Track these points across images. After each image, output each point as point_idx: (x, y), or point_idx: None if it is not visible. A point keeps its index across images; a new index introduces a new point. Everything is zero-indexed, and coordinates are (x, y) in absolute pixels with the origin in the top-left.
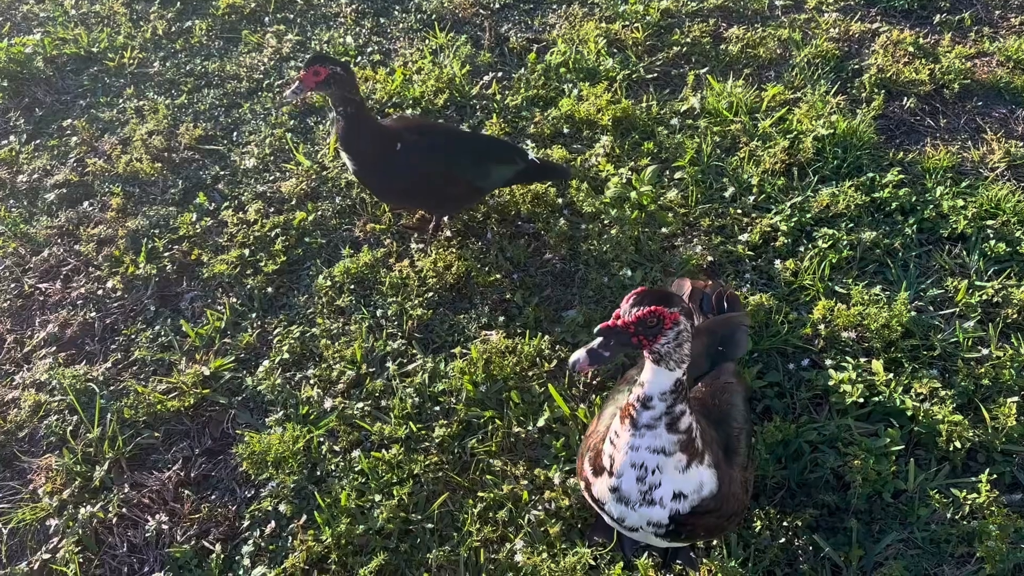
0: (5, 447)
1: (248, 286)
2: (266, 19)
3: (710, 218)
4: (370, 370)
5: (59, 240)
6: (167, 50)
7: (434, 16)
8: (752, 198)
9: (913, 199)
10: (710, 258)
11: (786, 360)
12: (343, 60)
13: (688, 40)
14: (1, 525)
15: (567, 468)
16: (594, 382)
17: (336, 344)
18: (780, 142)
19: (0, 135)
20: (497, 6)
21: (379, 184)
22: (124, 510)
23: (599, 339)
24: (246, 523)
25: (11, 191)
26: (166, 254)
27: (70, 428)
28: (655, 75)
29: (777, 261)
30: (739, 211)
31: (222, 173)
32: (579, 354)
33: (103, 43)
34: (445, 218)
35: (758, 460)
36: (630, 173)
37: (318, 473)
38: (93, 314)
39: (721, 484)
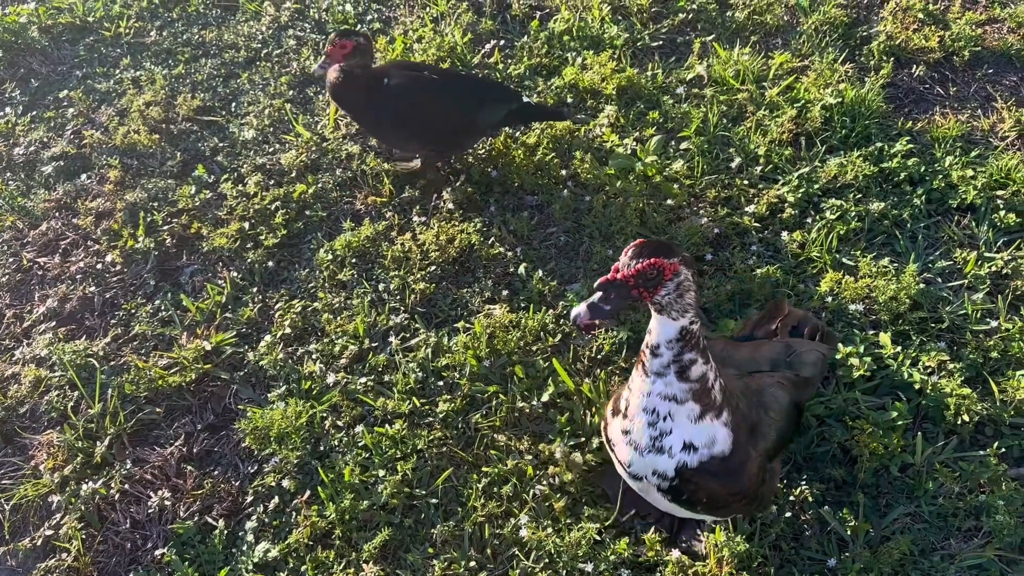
0: (6, 423)
1: (249, 260)
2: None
3: (716, 189)
4: (373, 345)
5: (57, 214)
6: (164, 19)
7: None
8: (759, 168)
9: (922, 169)
10: (716, 230)
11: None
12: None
13: (694, 7)
14: (3, 501)
15: (571, 443)
16: (599, 356)
17: (338, 319)
18: (787, 111)
19: None
20: None
21: (372, 121)
22: (126, 486)
23: (599, 293)
24: (249, 499)
25: (8, 164)
26: (165, 228)
27: (71, 404)
28: (660, 43)
29: (784, 233)
30: (745, 182)
31: (221, 145)
32: (579, 308)
33: (99, 12)
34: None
35: (778, 474)
36: (635, 143)
37: (321, 448)
38: (92, 288)
39: (736, 449)
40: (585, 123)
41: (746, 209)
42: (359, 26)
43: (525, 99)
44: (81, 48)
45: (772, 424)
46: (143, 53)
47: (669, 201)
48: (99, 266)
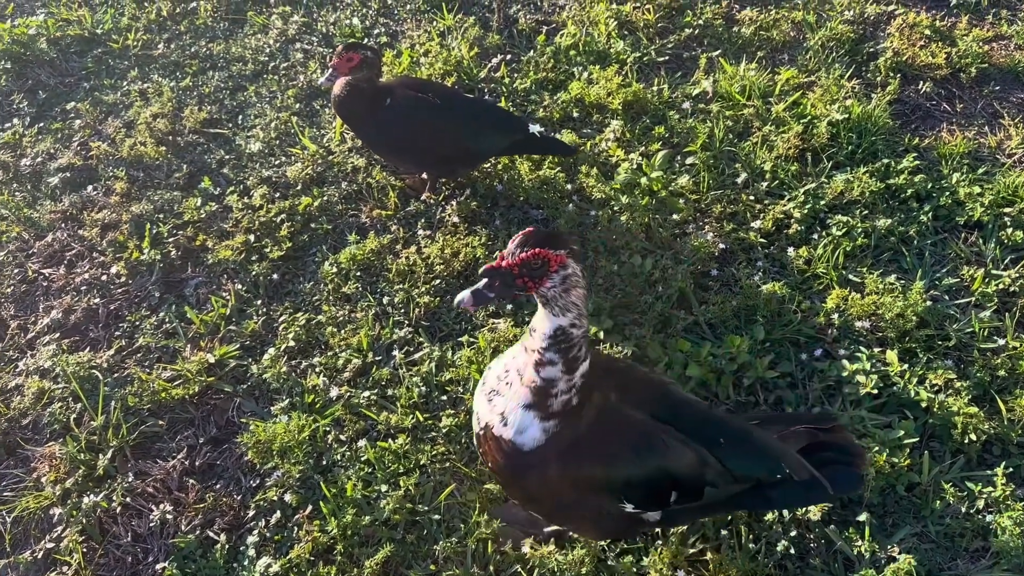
0: (8, 435)
1: (253, 272)
2: (272, 0)
3: (722, 204)
4: (376, 358)
5: (63, 225)
6: (171, 32)
7: None
8: (765, 184)
9: (929, 186)
10: (722, 245)
11: (799, 350)
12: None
13: (700, 22)
14: (5, 513)
15: None
16: None
17: (342, 332)
18: (794, 127)
19: (3, 118)
20: None
21: (373, 138)
22: (128, 499)
23: (484, 280)
24: (251, 513)
25: (14, 175)
26: (170, 239)
27: (74, 416)
28: (666, 58)
29: (790, 249)
30: (752, 197)
31: (227, 157)
32: (464, 294)
33: (107, 24)
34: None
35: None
36: (641, 158)
37: (324, 463)
38: (97, 300)
39: (536, 453)
40: (591, 137)
41: (752, 225)
42: (366, 39)
43: (533, 129)
44: (89, 60)
45: (626, 465)
46: (151, 65)
47: (675, 216)
48: (104, 278)
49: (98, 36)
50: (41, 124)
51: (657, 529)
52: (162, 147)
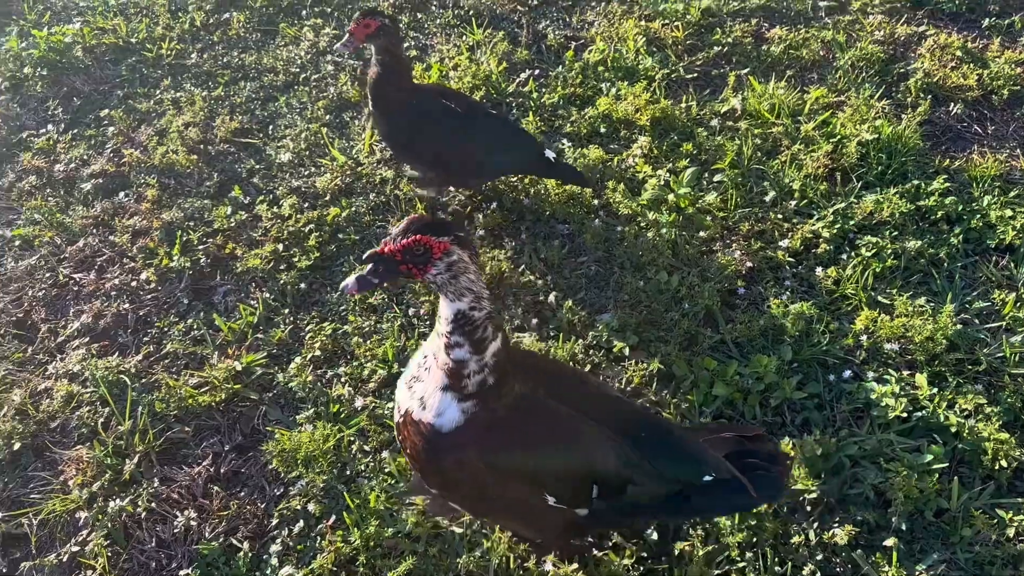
0: (37, 437)
1: (281, 281)
2: (304, 12)
3: (750, 222)
4: (402, 369)
5: (94, 230)
6: (205, 42)
7: (471, 12)
8: (793, 203)
9: (959, 208)
10: (749, 264)
11: (827, 371)
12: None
13: (729, 40)
14: (32, 516)
15: None
16: (628, 388)
17: (368, 342)
18: (823, 146)
19: (39, 124)
20: (535, 2)
21: (388, 132)
22: (153, 505)
23: (369, 266)
24: (275, 521)
25: (48, 180)
26: (200, 247)
27: (101, 420)
28: (695, 75)
29: (819, 269)
30: (780, 216)
31: (257, 167)
32: (349, 280)
33: (141, 33)
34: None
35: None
36: (668, 175)
37: (348, 473)
38: (126, 305)
39: (455, 435)
40: (618, 153)
41: (780, 243)
42: None
43: (548, 154)
44: (123, 68)
45: (546, 453)
46: (184, 75)
47: (702, 233)
48: (134, 283)
49: (132, 45)
50: (75, 131)
51: (590, 539)
52: (193, 155)
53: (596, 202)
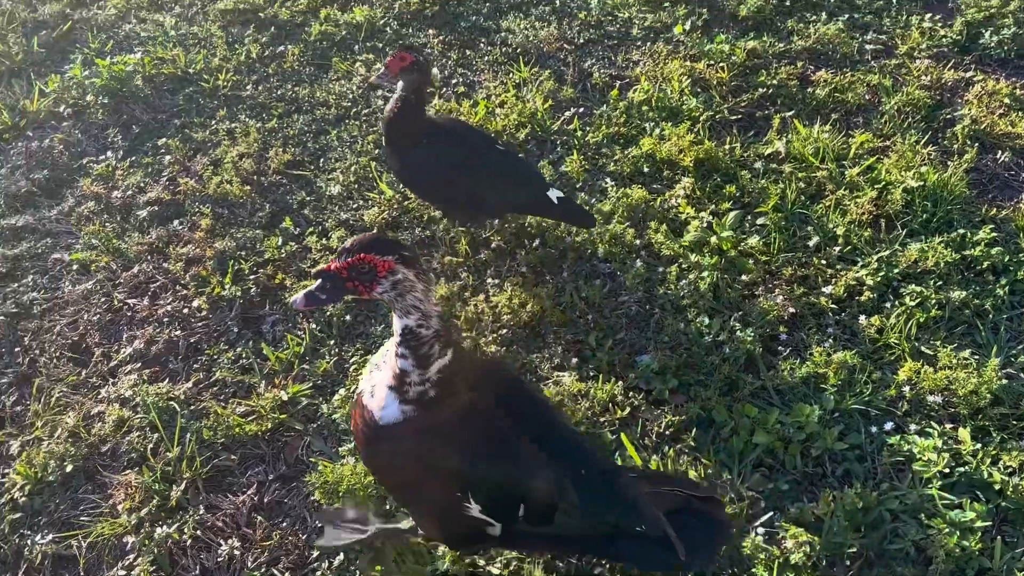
0: (88, 460)
1: (327, 313)
2: (356, 47)
3: (792, 267)
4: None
5: (149, 257)
6: (260, 74)
7: (519, 50)
8: (837, 249)
9: (1006, 259)
10: (791, 309)
11: (869, 422)
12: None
13: (774, 82)
14: (81, 538)
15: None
16: (667, 432)
17: None
18: (867, 192)
19: (99, 150)
20: (581, 41)
21: (399, 168)
22: (198, 532)
23: (318, 282)
24: (315, 554)
25: (106, 206)
26: (251, 277)
27: (151, 446)
28: (739, 117)
29: (862, 316)
30: (823, 262)
31: (308, 198)
32: (298, 296)
33: (199, 64)
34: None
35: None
36: (711, 217)
37: (387, 508)
38: (178, 332)
39: (391, 429)
40: (661, 193)
41: (823, 289)
42: (444, 89)
43: (552, 194)
44: (181, 98)
45: (477, 459)
46: (239, 106)
47: (744, 277)
48: (186, 311)
49: (190, 75)
50: (133, 158)
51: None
52: (247, 186)
53: (638, 242)
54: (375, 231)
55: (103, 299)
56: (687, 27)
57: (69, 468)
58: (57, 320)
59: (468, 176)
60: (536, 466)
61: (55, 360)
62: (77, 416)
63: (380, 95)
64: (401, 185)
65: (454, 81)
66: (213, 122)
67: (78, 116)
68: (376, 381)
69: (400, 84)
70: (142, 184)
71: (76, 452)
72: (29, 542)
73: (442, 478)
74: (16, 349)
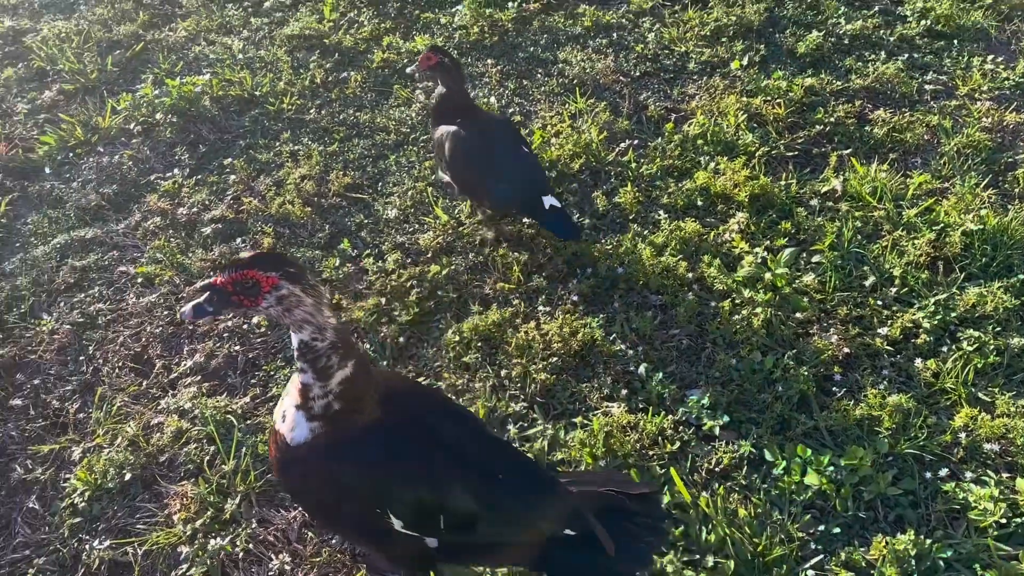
0: (146, 469)
1: (382, 334)
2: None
3: (848, 307)
4: (492, 430)
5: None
6: (323, 99)
7: (576, 81)
8: (894, 290)
9: None
10: (846, 349)
11: (923, 467)
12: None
13: (831, 120)
14: (136, 546)
15: (684, 558)
16: (717, 469)
17: (461, 400)
18: (925, 234)
19: (166, 168)
20: (637, 74)
21: (434, 142)
22: (251, 545)
23: (205, 295)
24: (362, 571)
25: (171, 222)
26: None
27: (207, 458)
28: (795, 153)
29: (918, 360)
30: (879, 302)
31: (366, 221)
32: (187, 307)
33: (265, 87)
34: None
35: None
36: (765, 253)
37: None
38: (237, 347)
39: (301, 448)
40: (715, 227)
41: (879, 331)
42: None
43: (547, 200)
44: (246, 120)
45: (386, 475)
46: (302, 129)
47: (798, 315)
48: (245, 327)
49: (256, 98)
50: (199, 176)
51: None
52: (307, 207)
53: (691, 275)
54: (264, 249)
55: (166, 312)
56: (744, 63)
57: (128, 476)
58: (121, 331)
59: (477, 161)
60: (449, 476)
61: (117, 370)
62: (137, 425)
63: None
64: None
65: (511, 110)
66: (277, 144)
67: (147, 134)
68: (286, 406)
69: (439, 80)
70: (207, 202)
71: (135, 461)
72: (87, 547)
73: (357, 495)
74: (81, 358)
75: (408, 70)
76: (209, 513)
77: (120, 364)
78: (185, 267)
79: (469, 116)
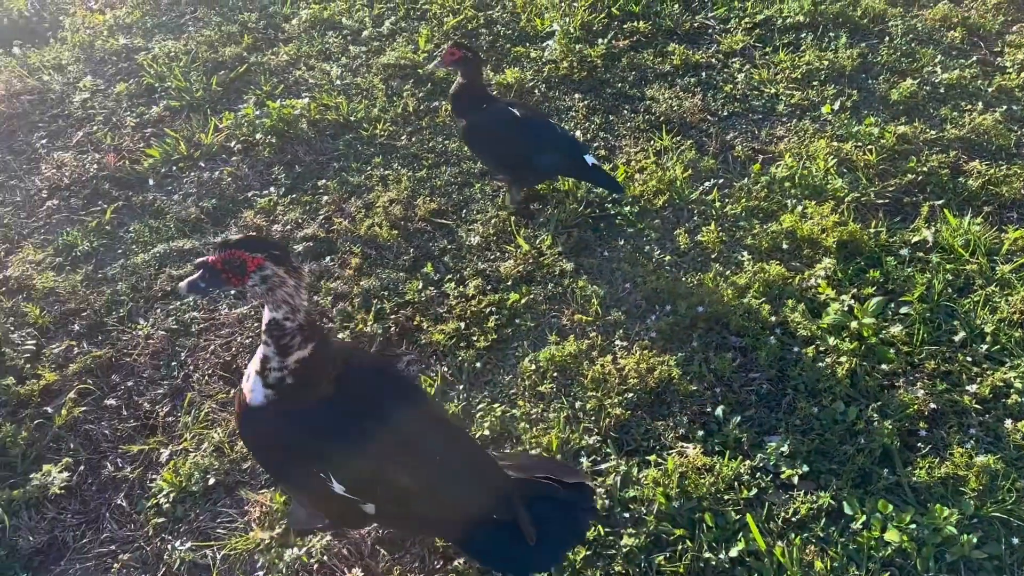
0: (229, 475)
1: (459, 358)
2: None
3: (936, 361)
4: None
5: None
6: (414, 126)
7: (662, 118)
8: (984, 347)
9: None
10: (932, 405)
11: (1010, 532)
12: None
13: (924, 169)
14: (216, 549)
15: None
16: (795, 519)
17: (534, 429)
18: (1020, 291)
19: (263, 185)
20: (725, 114)
21: (464, 135)
22: (325, 558)
23: (199, 272)
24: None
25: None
26: (391, 316)
27: None
28: (886, 201)
29: (1008, 420)
30: (969, 359)
31: (449, 246)
32: (183, 283)
33: (360, 113)
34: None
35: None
36: (852, 301)
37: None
38: None
39: (258, 412)
40: (800, 272)
41: (967, 388)
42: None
43: (588, 159)
44: (341, 143)
45: (329, 440)
46: (393, 154)
47: (884, 366)
48: None
49: (351, 123)
50: (294, 195)
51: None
52: (394, 230)
53: (773, 319)
54: (252, 231)
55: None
56: (835, 107)
57: (211, 481)
58: (212, 340)
59: (519, 136)
60: (387, 453)
61: (207, 377)
62: (223, 432)
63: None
64: (472, 154)
65: (595, 144)
66: (368, 168)
67: (247, 152)
68: (250, 369)
69: (460, 72)
70: (300, 220)
71: (219, 466)
72: (169, 547)
73: (301, 458)
74: (173, 363)
75: (430, 66)
76: (286, 523)
77: (210, 371)
78: None
79: (491, 103)
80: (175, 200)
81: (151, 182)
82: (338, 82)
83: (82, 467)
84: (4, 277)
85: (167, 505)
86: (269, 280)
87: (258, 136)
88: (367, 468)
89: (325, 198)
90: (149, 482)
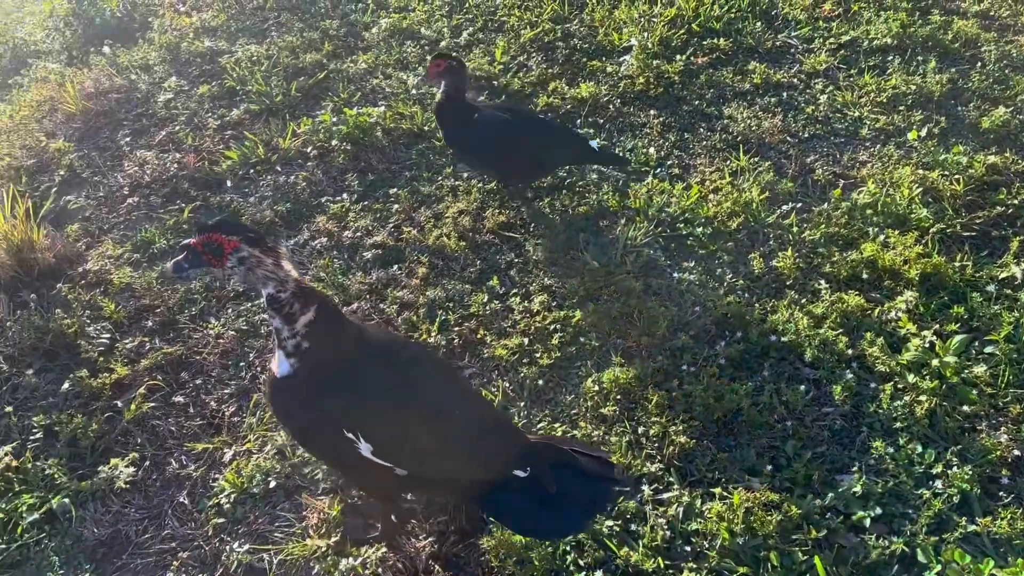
0: (290, 479)
1: (521, 374)
2: (578, 121)
3: (1021, 405)
4: (625, 488)
5: (368, 296)
6: None
7: (739, 138)
8: None
9: None
10: (1016, 452)
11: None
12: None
13: (1015, 202)
14: (273, 553)
15: None
16: (865, 563)
17: None
18: None
19: (336, 191)
20: (805, 136)
21: (459, 147)
22: (380, 570)
23: (183, 254)
24: None
25: (336, 244)
26: (456, 328)
27: None
28: (973, 233)
29: None
30: None
31: (516, 260)
32: (169, 263)
33: (433, 123)
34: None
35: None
36: (934, 337)
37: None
38: None
39: (287, 380)
40: (880, 303)
41: None
42: (658, 169)
43: (593, 144)
44: (413, 152)
45: (352, 398)
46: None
47: (965, 407)
48: None
49: (424, 133)
50: (365, 203)
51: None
52: (462, 242)
53: (850, 352)
54: (227, 215)
55: None
56: (922, 134)
57: (272, 484)
58: None
59: (527, 137)
60: (408, 409)
61: None
62: (286, 435)
63: (594, 169)
64: (457, 159)
65: (669, 162)
66: (439, 178)
67: (322, 157)
68: (275, 351)
69: (443, 83)
70: (370, 227)
71: (280, 470)
72: (228, 548)
73: (329, 419)
74: (241, 364)
75: (416, 83)
76: (342, 531)
77: None
78: (345, 288)
79: (479, 111)
80: (251, 202)
81: (228, 183)
82: (414, 91)
83: (147, 463)
84: (83, 270)
85: (227, 506)
86: (247, 261)
87: (334, 142)
88: (394, 424)
89: (396, 206)
90: (211, 481)
